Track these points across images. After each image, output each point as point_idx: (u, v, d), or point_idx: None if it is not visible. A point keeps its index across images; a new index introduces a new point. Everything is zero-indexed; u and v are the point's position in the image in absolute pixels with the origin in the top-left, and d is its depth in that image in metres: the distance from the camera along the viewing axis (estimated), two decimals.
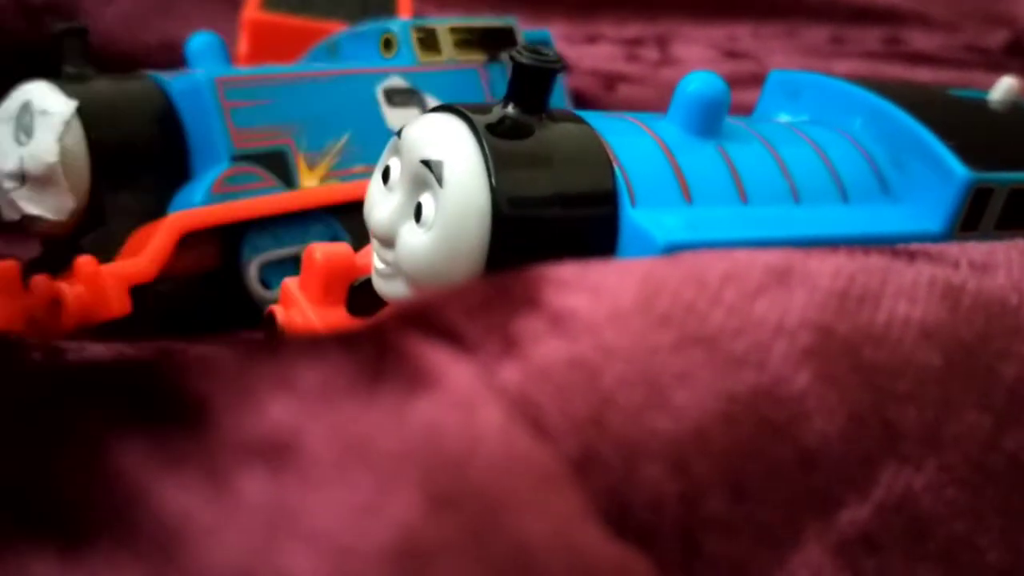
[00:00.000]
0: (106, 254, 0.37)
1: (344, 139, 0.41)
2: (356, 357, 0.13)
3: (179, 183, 0.39)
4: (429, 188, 0.26)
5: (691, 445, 0.13)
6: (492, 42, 0.47)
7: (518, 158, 0.26)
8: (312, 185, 0.40)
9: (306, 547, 0.10)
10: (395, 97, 0.43)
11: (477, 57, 0.46)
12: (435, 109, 0.27)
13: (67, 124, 0.36)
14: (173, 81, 0.39)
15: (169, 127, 0.38)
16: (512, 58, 0.27)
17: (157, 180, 0.38)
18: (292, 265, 0.40)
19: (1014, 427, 0.16)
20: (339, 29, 0.62)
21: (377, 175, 0.29)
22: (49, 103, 0.36)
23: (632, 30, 0.76)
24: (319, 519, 0.11)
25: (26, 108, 0.36)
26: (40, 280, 0.37)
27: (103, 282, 0.35)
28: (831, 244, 0.20)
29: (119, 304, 0.35)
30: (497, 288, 0.15)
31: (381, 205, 0.28)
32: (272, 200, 0.39)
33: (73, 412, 0.11)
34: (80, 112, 0.36)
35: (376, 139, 0.42)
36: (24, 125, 0.36)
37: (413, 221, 0.26)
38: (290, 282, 0.34)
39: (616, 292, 0.15)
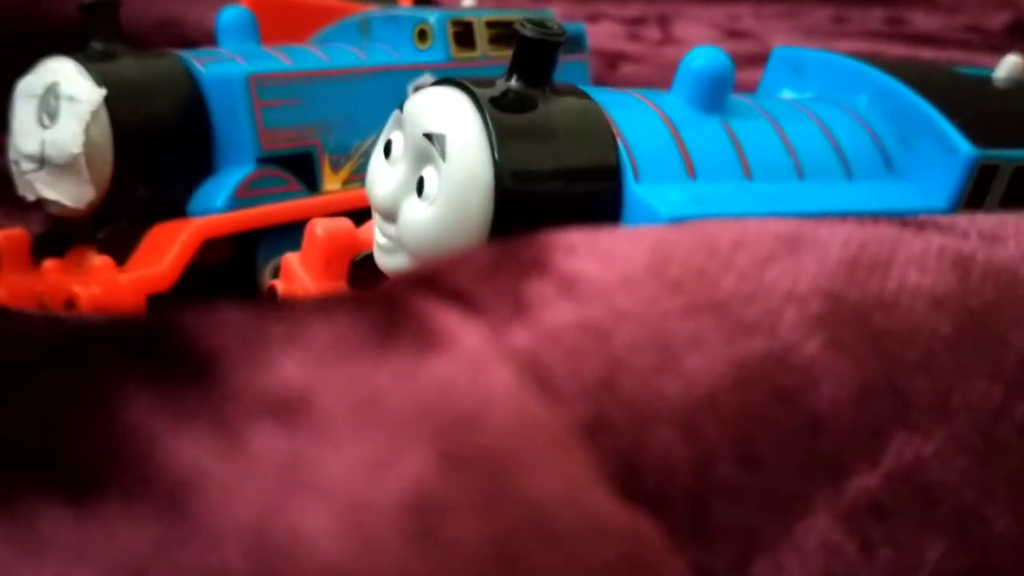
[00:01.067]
0: (122, 252, 0.36)
1: (370, 140, 0.41)
2: (366, 317, 0.13)
3: (201, 176, 0.38)
4: (432, 162, 0.26)
5: (702, 410, 0.13)
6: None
7: (521, 132, 0.26)
8: (334, 188, 0.40)
9: (319, 501, 0.10)
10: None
11: (509, 53, 0.46)
12: (438, 82, 0.27)
13: (94, 114, 0.35)
14: (204, 70, 0.38)
15: (196, 117, 0.38)
16: (516, 31, 0.26)
17: (179, 172, 0.38)
18: None
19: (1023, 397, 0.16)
20: (342, 7, 0.61)
21: (379, 149, 0.28)
22: (77, 89, 0.35)
23: (633, 9, 0.76)
24: (332, 474, 0.10)
25: (52, 90, 0.36)
26: (51, 267, 0.36)
27: (120, 290, 0.35)
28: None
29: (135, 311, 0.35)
30: (506, 252, 0.15)
31: (383, 179, 0.28)
32: (295, 206, 0.39)
33: (81, 366, 0.11)
34: (107, 100, 0.36)
35: None
36: (48, 107, 0.36)
37: (415, 195, 0.26)
38: (291, 257, 0.33)
39: (626, 257, 0.14)
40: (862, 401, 0.15)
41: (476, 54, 0.45)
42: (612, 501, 0.12)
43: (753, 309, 0.14)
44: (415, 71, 0.44)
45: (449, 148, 0.25)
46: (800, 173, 0.30)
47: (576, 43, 0.51)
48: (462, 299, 0.13)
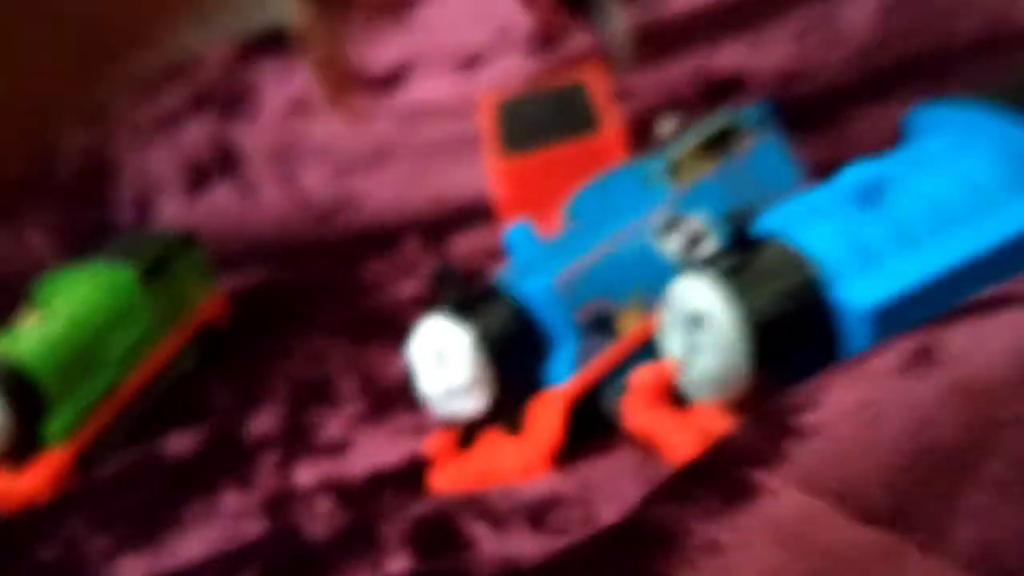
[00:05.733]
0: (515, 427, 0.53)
1: (637, 288, 0.54)
2: None
3: (542, 360, 0.53)
4: None
5: None
6: (719, 143, 0.57)
7: None
8: (631, 327, 0.54)
9: None
10: (663, 230, 0.55)
11: (708, 164, 0.57)
12: None
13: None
14: (521, 287, 0.53)
15: (527, 323, 0.53)
16: None
17: (532, 364, 0.54)
18: None
19: None
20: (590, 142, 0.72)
21: None
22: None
23: None
24: None
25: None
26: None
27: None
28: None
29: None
30: None
31: None
32: (613, 352, 0.53)
33: None
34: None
35: (657, 273, 0.53)
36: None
37: None
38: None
39: None
40: None
41: (687, 179, 0.57)
42: None
43: None
44: (648, 217, 0.57)
45: None
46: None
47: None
48: None
